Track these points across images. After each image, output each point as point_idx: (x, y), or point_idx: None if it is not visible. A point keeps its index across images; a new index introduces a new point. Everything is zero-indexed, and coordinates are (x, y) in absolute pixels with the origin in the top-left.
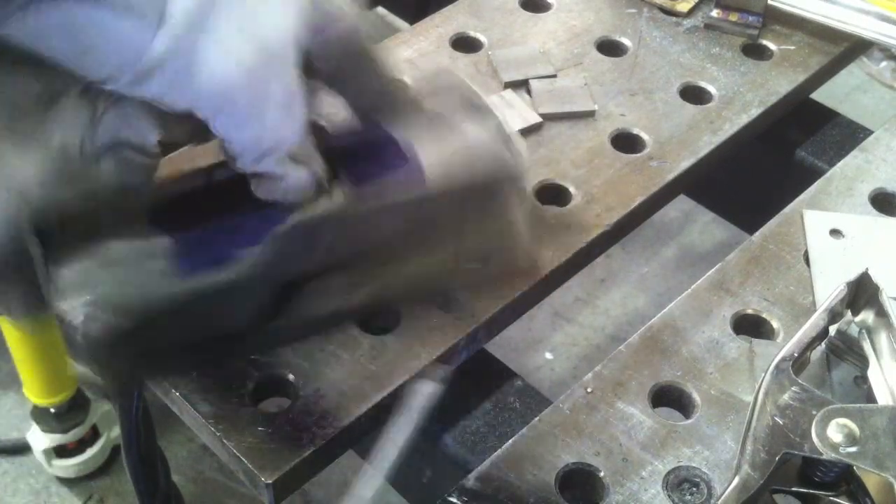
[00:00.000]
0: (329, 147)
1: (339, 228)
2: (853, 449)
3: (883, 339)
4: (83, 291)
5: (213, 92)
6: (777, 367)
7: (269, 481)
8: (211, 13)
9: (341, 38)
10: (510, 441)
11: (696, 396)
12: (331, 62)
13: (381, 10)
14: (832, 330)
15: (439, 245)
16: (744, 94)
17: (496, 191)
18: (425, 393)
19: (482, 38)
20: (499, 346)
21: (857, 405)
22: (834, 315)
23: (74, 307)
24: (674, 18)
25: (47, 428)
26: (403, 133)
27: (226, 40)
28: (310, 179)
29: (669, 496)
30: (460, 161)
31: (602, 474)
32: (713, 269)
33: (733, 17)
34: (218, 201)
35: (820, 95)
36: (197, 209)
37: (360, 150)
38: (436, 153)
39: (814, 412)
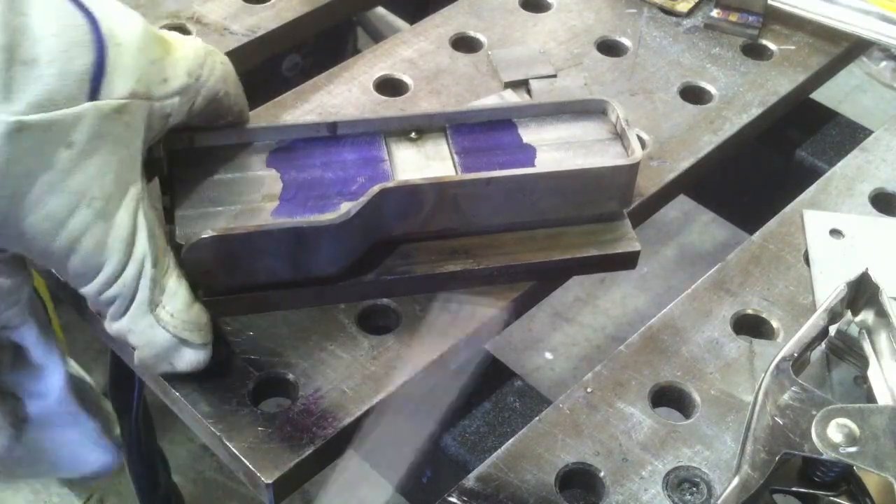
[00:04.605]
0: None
1: (442, 195)
2: (853, 449)
3: (883, 339)
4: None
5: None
6: (777, 367)
7: (269, 481)
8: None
9: (202, 103)
10: (510, 441)
11: (696, 396)
12: (200, 117)
13: (381, 10)
14: (832, 330)
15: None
16: (744, 94)
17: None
18: None
19: (482, 38)
20: (499, 346)
21: (857, 405)
22: (834, 315)
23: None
24: (674, 18)
25: None
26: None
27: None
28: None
29: (669, 496)
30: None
31: (602, 474)
32: (713, 269)
33: (733, 17)
34: (330, 154)
35: (820, 95)
36: (312, 156)
37: (479, 129)
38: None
39: (814, 412)
